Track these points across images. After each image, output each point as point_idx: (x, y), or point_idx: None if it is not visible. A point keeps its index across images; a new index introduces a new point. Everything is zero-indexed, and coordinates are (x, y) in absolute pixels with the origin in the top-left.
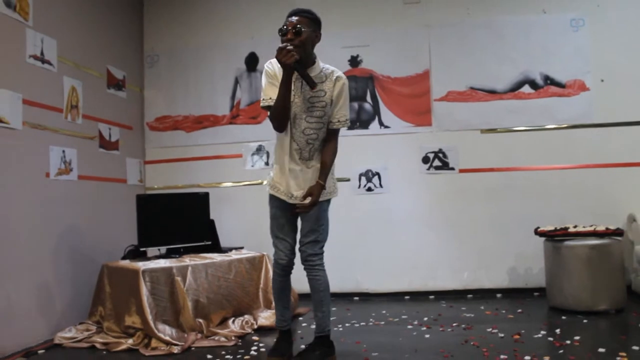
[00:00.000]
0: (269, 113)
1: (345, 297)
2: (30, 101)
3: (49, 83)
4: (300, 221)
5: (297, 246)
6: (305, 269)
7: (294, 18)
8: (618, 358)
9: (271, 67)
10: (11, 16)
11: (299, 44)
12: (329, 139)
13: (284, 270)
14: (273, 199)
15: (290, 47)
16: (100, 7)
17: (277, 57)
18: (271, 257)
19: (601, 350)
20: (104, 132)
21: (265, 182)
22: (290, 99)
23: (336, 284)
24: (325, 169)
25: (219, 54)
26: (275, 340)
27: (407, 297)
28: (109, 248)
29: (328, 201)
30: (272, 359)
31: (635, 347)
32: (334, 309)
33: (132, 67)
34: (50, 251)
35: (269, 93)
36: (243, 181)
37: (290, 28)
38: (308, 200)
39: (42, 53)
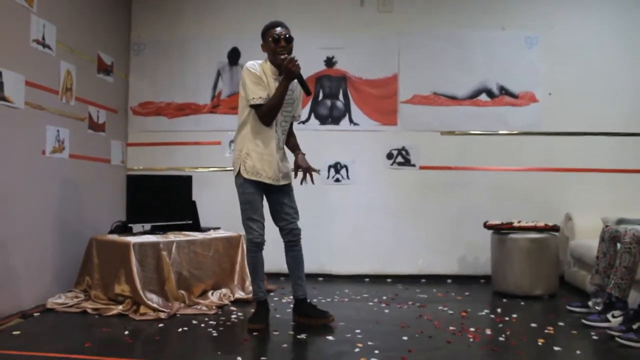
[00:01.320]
0: (254, 110)
1: (310, 277)
2: (32, 83)
3: (48, 66)
4: (280, 205)
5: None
6: (291, 244)
7: (282, 29)
8: (546, 330)
9: (255, 68)
10: (19, 2)
11: (290, 51)
12: (291, 130)
13: (258, 247)
14: (249, 184)
15: (296, 59)
16: None
17: (286, 66)
18: None
19: (533, 325)
20: (92, 114)
21: (240, 170)
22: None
23: None
24: (298, 145)
25: (203, 46)
26: (253, 310)
27: (366, 280)
28: (93, 223)
29: None
30: (253, 325)
31: (561, 323)
32: None
33: (119, 53)
34: (42, 224)
35: (258, 93)
36: (220, 167)
37: (282, 37)
38: (300, 172)
39: (43, 38)
